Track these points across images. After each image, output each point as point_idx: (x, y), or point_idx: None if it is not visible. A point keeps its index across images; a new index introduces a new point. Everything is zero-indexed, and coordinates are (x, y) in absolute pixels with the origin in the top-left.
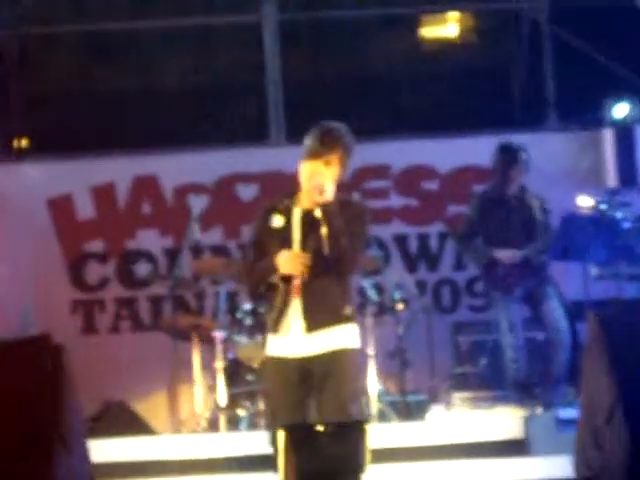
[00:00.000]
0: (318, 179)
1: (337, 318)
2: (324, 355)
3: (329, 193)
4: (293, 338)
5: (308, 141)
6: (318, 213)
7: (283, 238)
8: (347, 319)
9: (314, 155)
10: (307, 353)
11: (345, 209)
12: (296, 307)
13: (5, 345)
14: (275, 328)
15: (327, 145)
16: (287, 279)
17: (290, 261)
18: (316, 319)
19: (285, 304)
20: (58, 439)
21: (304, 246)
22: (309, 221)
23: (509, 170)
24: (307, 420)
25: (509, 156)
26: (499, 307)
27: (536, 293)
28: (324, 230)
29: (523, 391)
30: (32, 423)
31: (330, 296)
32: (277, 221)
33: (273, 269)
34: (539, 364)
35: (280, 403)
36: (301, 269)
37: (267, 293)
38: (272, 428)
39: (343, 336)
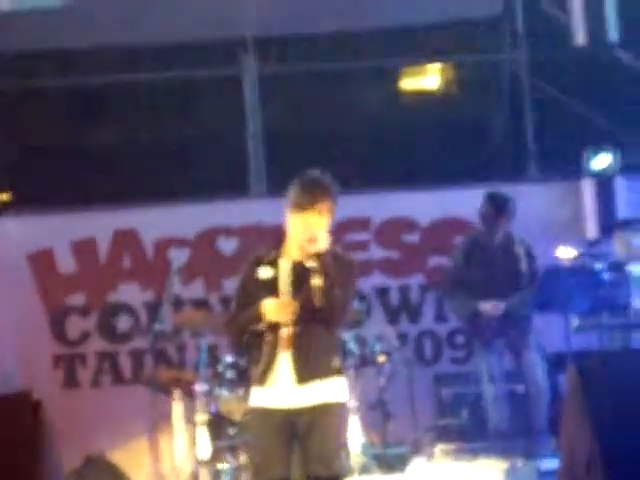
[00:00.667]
0: (312, 230)
1: (327, 371)
2: (311, 408)
3: (323, 242)
4: (281, 390)
5: (295, 193)
6: (311, 264)
7: (271, 290)
8: (336, 371)
9: (305, 207)
10: (294, 405)
11: (336, 261)
12: (286, 360)
13: None
14: (262, 380)
15: (318, 196)
16: (274, 327)
17: (277, 309)
18: (307, 372)
19: (273, 356)
20: None
21: (294, 298)
22: (300, 272)
23: (496, 219)
24: (290, 474)
25: (498, 205)
26: (480, 358)
27: (517, 343)
28: (317, 281)
29: (504, 441)
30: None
31: (321, 348)
32: (265, 273)
33: (259, 317)
34: (520, 416)
35: (265, 455)
36: (288, 317)
37: (251, 344)
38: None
39: (332, 389)
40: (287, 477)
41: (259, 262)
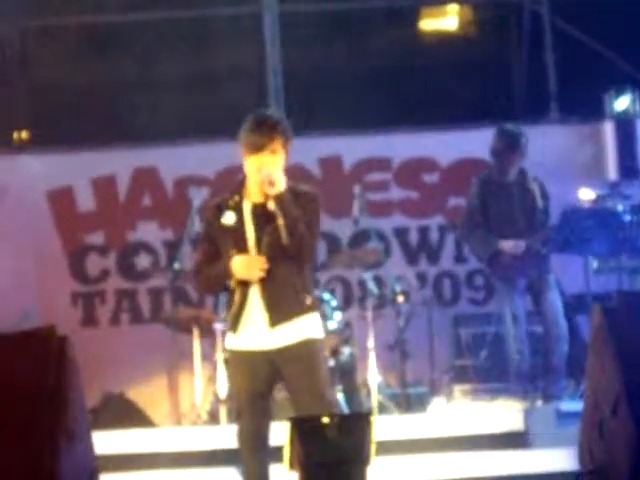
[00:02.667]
0: (267, 170)
1: (300, 309)
2: (290, 346)
3: (281, 183)
4: (257, 332)
5: (246, 134)
6: (272, 205)
7: (236, 234)
8: (309, 309)
9: (258, 148)
10: (272, 346)
11: (297, 198)
12: (258, 303)
13: (9, 337)
14: (235, 325)
15: (267, 134)
16: (244, 283)
17: (246, 266)
18: (279, 312)
19: (244, 298)
20: (63, 431)
21: (259, 241)
22: (262, 214)
23: (510, 154)
24: (268, 415)
25: (510, 140)
26: (502, 298)
27: (538, 283)
28: (280, 221)
29: (523, 382)
30: (36, 415)
31: (291, 287)
32: (229, 218)
33: (228, 274)
34: (539, 357)
35: (243, 398)
36: (258, 274)
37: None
38: (239, 422)
39: (307, 326)
40: (263, 419)
41: (222, 207)
